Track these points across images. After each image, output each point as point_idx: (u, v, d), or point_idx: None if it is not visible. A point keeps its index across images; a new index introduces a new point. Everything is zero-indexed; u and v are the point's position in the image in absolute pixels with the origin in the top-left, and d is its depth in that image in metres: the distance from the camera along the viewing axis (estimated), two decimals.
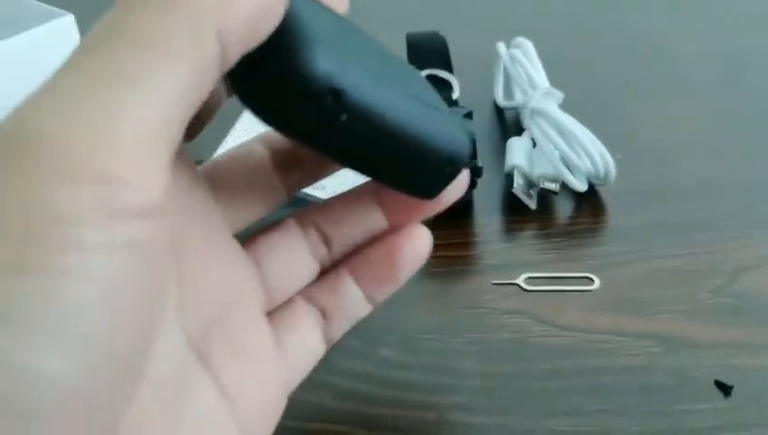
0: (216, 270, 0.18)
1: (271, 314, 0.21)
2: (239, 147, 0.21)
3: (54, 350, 0.11)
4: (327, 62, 0.15)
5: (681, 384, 0.27)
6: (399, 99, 0.18)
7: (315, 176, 0.22)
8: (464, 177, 0.22)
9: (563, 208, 0.37)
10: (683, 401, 0.26)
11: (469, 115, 0.38)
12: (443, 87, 0.41)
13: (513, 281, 0.32)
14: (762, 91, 0.46)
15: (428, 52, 0.42)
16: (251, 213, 0.20)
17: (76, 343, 0.12)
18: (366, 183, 0.22)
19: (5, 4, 0.40)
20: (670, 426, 0.25)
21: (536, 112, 0.38)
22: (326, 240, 0.22)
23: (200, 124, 0.18)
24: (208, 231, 0.18)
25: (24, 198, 0.11)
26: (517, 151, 0.38)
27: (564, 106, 0.38)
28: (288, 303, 0.22)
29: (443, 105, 0.22)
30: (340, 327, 0.22)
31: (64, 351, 0.11)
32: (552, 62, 0.43)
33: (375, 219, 0.22)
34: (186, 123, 0.14)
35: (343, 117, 0.16)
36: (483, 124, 0.43)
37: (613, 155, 0.35)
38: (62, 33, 0.39)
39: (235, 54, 0.14)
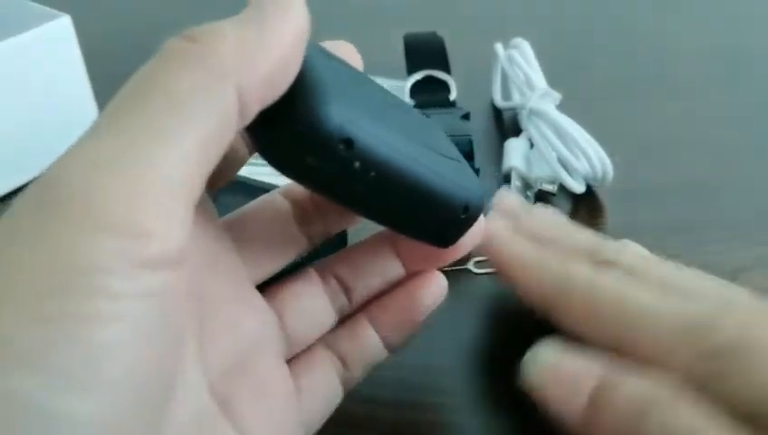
0: (235, 318, 0.19)
1: (291, 359, 0.22)
2: (261, 199, 0.22)
3: (83, 393, 0.12)
4: (338, 113, 0.16)
5: None
6: (412, 148, 0.19)
7: (337, 226, 0.23)
8: (480, 225, 0.22)
9: (561, 210, 0.37)
10: None
11: (466, 116, 0.38)
12: (440, 88, 0.41)
13: None
14: (761, 91, 0.46)
15: (426, 52, 0.42)
16: (272, 264, 0.21)
17: (103, 387, 0.12)
18: (384, 232, 0.23)
19: (2, 5, 0.40)
20: None
21: (534, 113, 0.38)
22: (346, 289, 0.23)
23: (224, 178, 0.19)
24: (229, 281, 0.19)
25: (54, 249, 0.12)
26: (515, 153, 0.38)
27: (562, 107, 0.38)
28: (308, 349, 0.22)
29: (457, 154, 0.22)
30: (358, 372, 0.23)
31: (92, 394, 0.12)
32: (550, 63, 0.43)
33: (393, 268, 0.23)
34: (207, 176, 0.14)
35: (356, 165, 0.17)
36: (480, 125, 0.43)
37: (611, 156, 0.35)
38: (58, 34, 0.39)
39: (253, 111, 0.15)
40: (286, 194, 0.22)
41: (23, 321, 0.12)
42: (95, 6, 0.58)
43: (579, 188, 0.36)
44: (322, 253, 0.29)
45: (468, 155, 0.35)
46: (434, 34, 0.43)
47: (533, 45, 0.43)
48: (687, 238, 0.34)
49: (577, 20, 0.56)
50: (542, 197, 0.37)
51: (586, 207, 0.37)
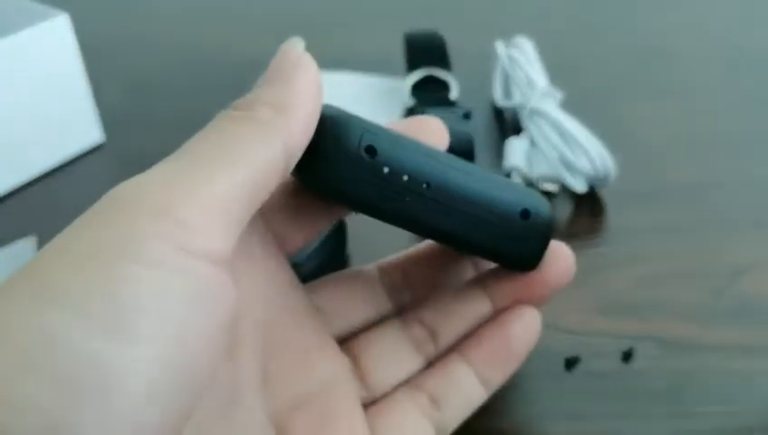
0: (307, 360, 0.21)
1: (372, 405, 0.22)
2: (350, 269, 0.24)
3: (119, 342, 0.13)
4: (358, 126, 0.19)
5: (680, 387, 0.27)
6: (444, 156, 0.20)
7: (424, 295, 0.24)
8: (563, 252, 0.22)
9: (562, 209, 0.36)
10: (682, 404, 0.26)
11: (467, 115, 0.38)
12: (441, 87, 0.41)
13: None
14: (762, 92, 0.46)
15: (426, 51, 0.42)
16: (354, 319, 0.23)
17: (139, 342, 0.13)
18: (473, 276, 0.23)
19: (0, 2, 0.40)
20: (670, 430, 0.25)
21: (535, 112, 0.37)
22: (433, 334, 0.23)
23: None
24: (305, 327, 0.21)
25: (112, 225, 0.15)
26: (516, 152, 0.37)
27: (563, 106, 0.38)
28: (390, 393, 0.22)
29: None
30: (456, 414, 0.22)
31: (128, 346, 0.13)
32: (551, 62, 0.42)
33: (482, 308, 0.23)
34: (254, 207, 0.17)
35: (386, 170, 0.19)
36: (481, 124, 0.42)
37: (612, 155, 0.35)
38: (56, 32, 0.39)
39: (297, 156, 0.18)
40: (376, 264, 0.24)
41: (68, 271, 0.14)
42: (93, 4, 0.58)
43: (580, 187, 0.36)
44: (322, 252, 0.29)
45: (469, 154, 0.34)
46: (434, 33, 0.43)
47: (535, 44, 0.43)
48: (688, 238, 0.34)
49: (578, 19, 0.56)
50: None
51: (587, 206, 0.36)
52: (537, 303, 0.23)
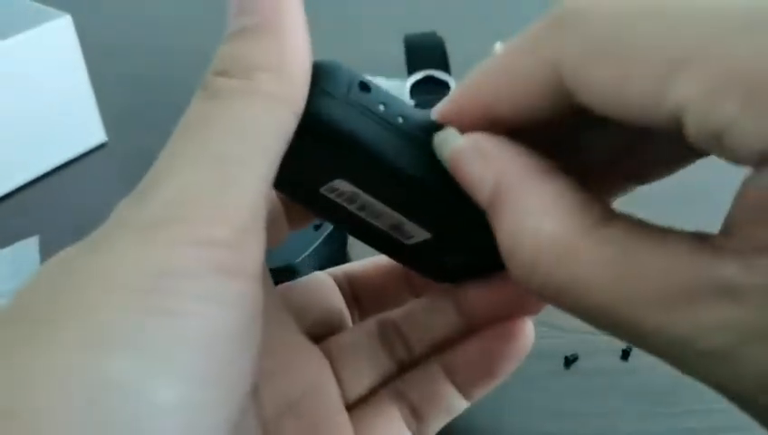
0: (289, 361, 0.20)
1: (355, 409, 0.21)
2: (305, 278, 0.22)
3: (166, 378, 0.13)
4: (347, 68, 0.16)
5: (678, 385, 0.27)
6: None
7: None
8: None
9: None
10: (680, 402, 0.26)
11: None
12: (441, 87, 0.41)
13: None
14: None
15: (426, 52, 0.42)
16: (323, 321, 0.22)
17: (180, 377, 0.13)
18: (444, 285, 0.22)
19: (3, 4, 0.40)
20: (667, 428, 0.25)
21: None
22: (404, 339, 0.22)
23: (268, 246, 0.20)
24: (281, 327, 0.20)
25: (147, 254, 0.14)
26: None
27: None
28: (373, 399, 0.21)
29: None
30: (437, 425, 0.22)
31: (173, 381, 0.13)
32: None
33: (451, 322, 0.21)
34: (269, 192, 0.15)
35: (381, 107, 0.16)
36: None
37: None
38: (59, 33, 0.39)
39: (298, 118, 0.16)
40: (332, 274, 0.23)
41: (122, 311, 0.13)
42: (95, 6, 0.58)
43: None
44: (325, 251, 0.29)
45: None
46: (434, 34, 0.43)
47: None
48: None
49: None
50: None
51: None
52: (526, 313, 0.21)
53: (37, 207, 0.38)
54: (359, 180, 0.17)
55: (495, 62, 0.16)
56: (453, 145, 0.16)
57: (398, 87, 0.43)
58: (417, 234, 0.18)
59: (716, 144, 0.12)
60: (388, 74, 0.45)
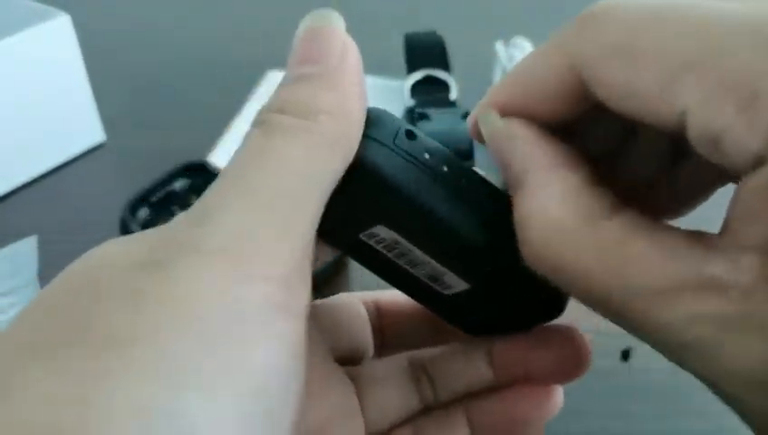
0: (318, 385, 0.20)
1: None
2: (335, 298, 0.22)
3: (224, 412, 0.13)
4: (390, 117, 0.17)
5: (679, 386, 0.27)
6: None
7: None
8: (582, 339, 0.20)
9: None
10: (681, 402, 0.26)
11: (467, 115, 0.38)
12: (441, 87, 0.41)
13: None
14: None
15: (426, 51, 0.42)
16: (351, 348, 0.22)
17: (239, 408, 0.13)
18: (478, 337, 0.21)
19: (1, 3, 0.40)
20: (668, 428, 0.25)
21: None
22: (431, 382, 0.22)
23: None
24: (312, 352, 0.20)
25: (210, 291, 0.14)
26: None
27: None
28: (395, 432, 0.21)
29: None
30: None
31: (229, 417, 0.13)
32: None
33: (481, 373, 0.21)
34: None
35: (426, 155, 0.17)
36: None
37: None
38: (58, 32, 0.39)
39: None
40: (362, 299, 0.23)
41: (195, 343, 0.13)
42: (95, 5, 0.58)
43: None
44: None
45: (468, 155, 0.35)
46: (434, 34, 0.43)
47: (534, 44, 0.43)
48: None
49: None
50: None
51: None
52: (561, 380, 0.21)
53: (36, 206, 0.38)
54: (400, 228, 0.17)
55: (527, 59, 0.17)
56: (494, 125, 0.17)
57: (398, 87, 0.43)
58: (455, 284, 0.18)
59: (715, 149, 0.13)
60: (389, 73, 0.45)
